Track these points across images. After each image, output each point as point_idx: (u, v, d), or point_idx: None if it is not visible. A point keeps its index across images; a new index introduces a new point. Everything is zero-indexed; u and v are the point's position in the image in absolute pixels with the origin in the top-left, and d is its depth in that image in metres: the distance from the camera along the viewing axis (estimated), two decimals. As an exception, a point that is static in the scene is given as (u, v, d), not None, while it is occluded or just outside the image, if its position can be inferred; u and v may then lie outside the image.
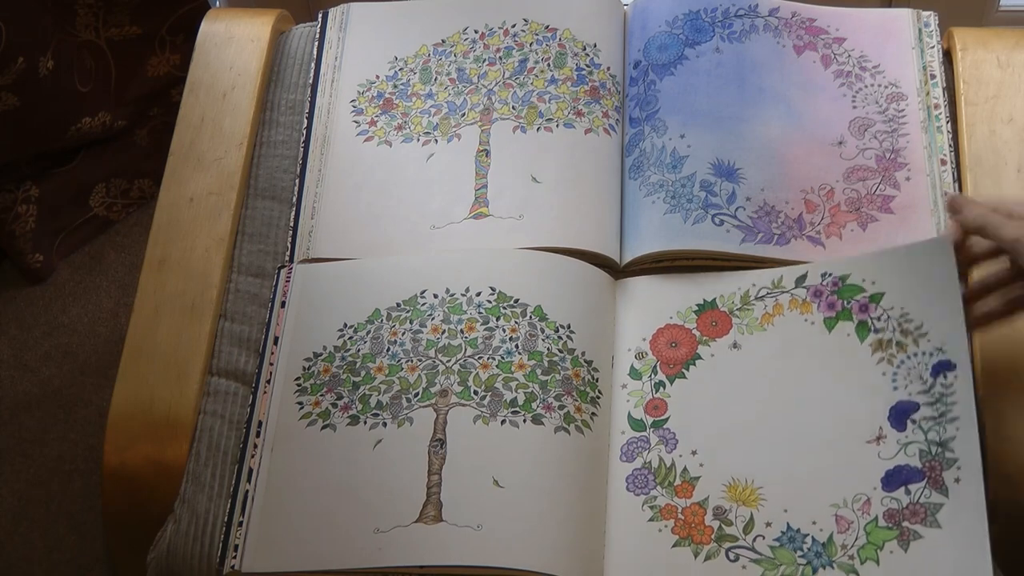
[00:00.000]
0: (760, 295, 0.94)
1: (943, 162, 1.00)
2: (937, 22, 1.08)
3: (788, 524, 0.83)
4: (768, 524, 0.83)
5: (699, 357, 0.93)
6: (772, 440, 0.87)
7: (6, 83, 1.31)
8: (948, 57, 1.07)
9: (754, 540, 0.83)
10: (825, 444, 0.85)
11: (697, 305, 0.95)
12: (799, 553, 0.81)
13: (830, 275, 0.91)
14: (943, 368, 0.81)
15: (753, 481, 0.86)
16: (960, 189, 0.99)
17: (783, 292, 0.93)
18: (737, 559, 0.83)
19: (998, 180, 0.98)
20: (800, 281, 0.92)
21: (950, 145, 1.01)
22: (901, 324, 0.85)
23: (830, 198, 0.99)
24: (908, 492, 0.80)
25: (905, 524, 0.79)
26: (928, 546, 0.78)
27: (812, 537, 0.82)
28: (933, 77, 1.05)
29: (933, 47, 1.06)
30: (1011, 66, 1.04)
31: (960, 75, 1.04)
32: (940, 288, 0.84)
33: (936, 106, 1.03)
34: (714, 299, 0.95)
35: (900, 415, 0.82)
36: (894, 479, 0.81)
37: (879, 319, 0.87)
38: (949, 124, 1.02)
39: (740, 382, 0.90)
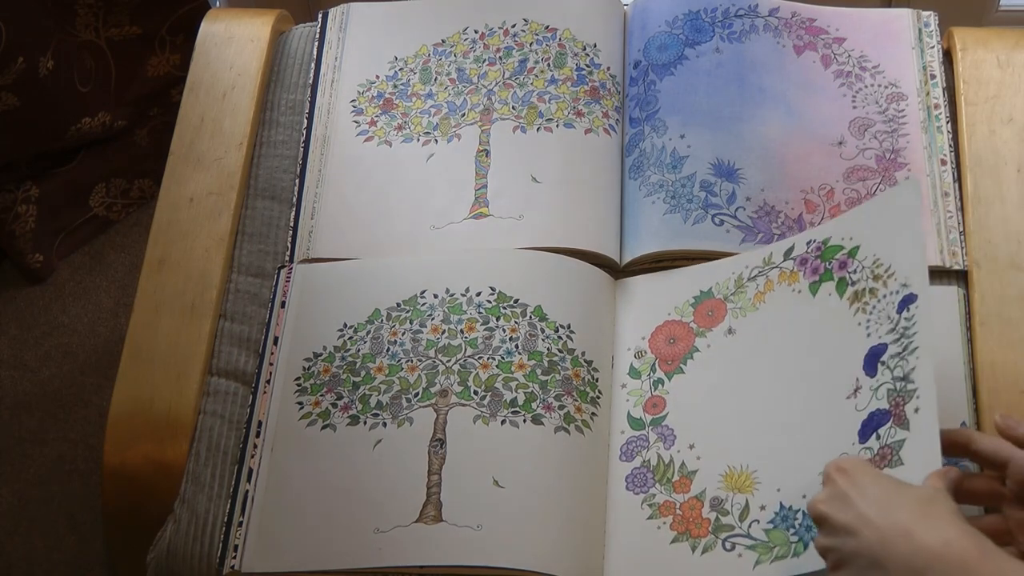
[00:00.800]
0: (752, 275, 0.93)
1: (943, 162, 1.00)
2: (937, 22, 1.08)
3: (781, 503, 0.82)
4: (762, 508, 0.83)
5: (696, 350, 0.93)
6: (765, 422, 0.86)
7: (6, 83, 1.31)
8: (948, 57, 1.07)
9: (749, 526, 0.83)
10: (812, 413, 0.84)
11: (694, 297, 0.95)
12: (791, 531, 0.81)
13: (814, 241, 0.90)
14: (907, 302, 0.80)
15: (748, 466, 0.85)
16: (960, 189, 0.99)
17: (773, 268, 0.92)
18: (733, 548, 0.83)
19: (998, 180, 0.98)
20: (788, 253, 0.92)
21: (950, 145, 1.01)
22: (874, 271, 0.84)
23: (830, 198, 0.99)
24: (879, 437, 0.78)
25: None
26: None
27: (802, 511, 0.81)
28: (933, 77, 1.05)
29: (933, 47, 1.06)
30: (1011, 66, 1.04)
31: (960, 75, 1.04)
32: (904, 226, 0.83)
33: (936, 106, 1.03)
34: (710, 288, 0.95)
35: (871, 360, 0.81)
36: (867, 428, 0.79)
37: (855, 272, 0.85)
38: (949, 124, 1.02)
39: (735, 368, 0.90)
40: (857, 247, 0.86)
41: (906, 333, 0.79)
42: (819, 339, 0.87)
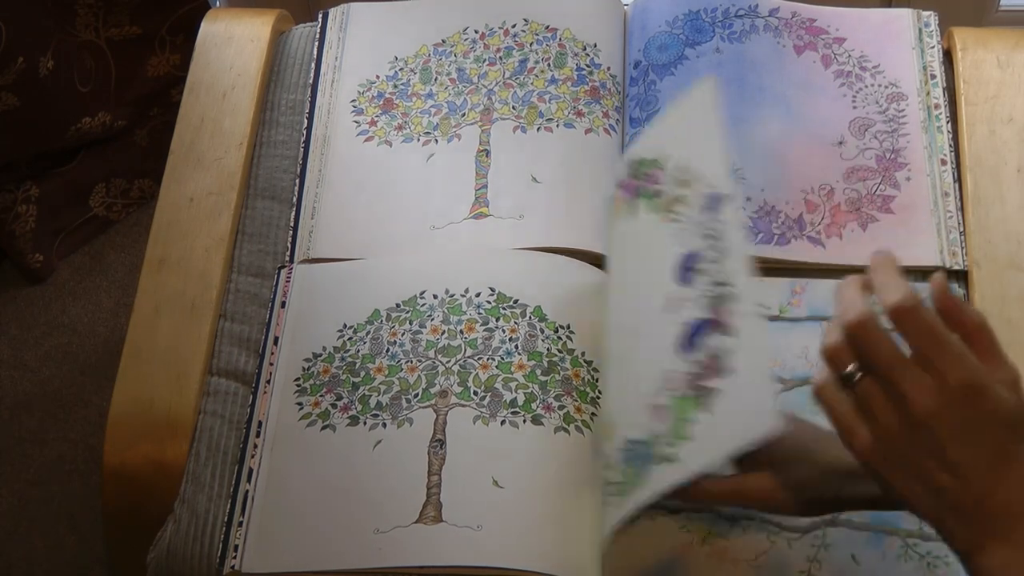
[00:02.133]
0: None
1: (943, 162, 1.00)
2: (937, 22, 1.08)
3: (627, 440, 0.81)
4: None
5: None
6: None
7: (6, 83, 1.31)
8: (948, 57, 1.07)
9: None
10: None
11: None
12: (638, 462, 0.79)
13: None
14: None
15: None
16: (960, 189, 0.99)
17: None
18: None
19: (998, 180, 0.98)
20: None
21: (950, 145, 1.01)
22: None
23: (830, 198, 0.99)
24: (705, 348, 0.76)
25: (700, 384, 0.76)
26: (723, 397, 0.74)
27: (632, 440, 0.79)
28: (933, 77, 1.05)
29: (933, 47, 1.06)
30: (1011, 66, 1.04)
31: (960, 75, 1.04)
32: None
33: (936, 106, 1.03)
34: None
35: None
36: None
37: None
38: (949, 124, 1.02)
39: None
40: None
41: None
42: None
